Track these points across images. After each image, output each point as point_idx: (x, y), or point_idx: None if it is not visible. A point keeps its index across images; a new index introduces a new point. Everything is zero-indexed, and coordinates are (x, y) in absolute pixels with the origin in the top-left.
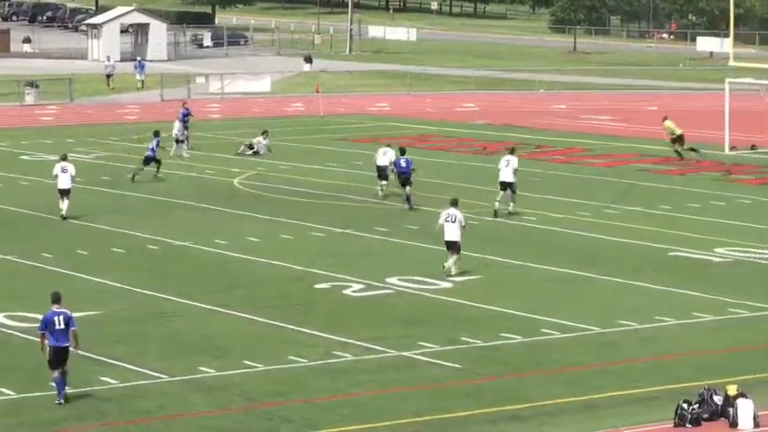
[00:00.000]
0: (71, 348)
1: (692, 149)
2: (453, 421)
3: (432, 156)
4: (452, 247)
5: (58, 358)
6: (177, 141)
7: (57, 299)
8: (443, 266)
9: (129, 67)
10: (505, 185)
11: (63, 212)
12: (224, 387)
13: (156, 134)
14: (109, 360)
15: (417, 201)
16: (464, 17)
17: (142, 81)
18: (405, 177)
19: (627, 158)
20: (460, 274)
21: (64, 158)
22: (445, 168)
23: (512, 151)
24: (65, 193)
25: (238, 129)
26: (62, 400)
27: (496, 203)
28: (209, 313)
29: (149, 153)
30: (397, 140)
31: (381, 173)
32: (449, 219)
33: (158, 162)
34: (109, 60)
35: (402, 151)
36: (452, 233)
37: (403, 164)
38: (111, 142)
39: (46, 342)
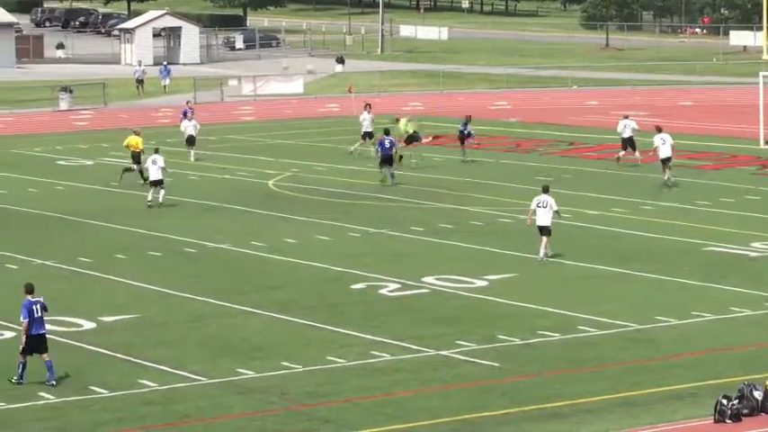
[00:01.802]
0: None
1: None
2: (491, 420)
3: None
4: (545, 231)
5: (35, 344)
6: (192, 143)
7: (30, 289)
8: (539, 252)
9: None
10: (666, 161)
11: (159, 200)
12: (262, 389)
13: (387, 132)
14: (148, 363)
15: (452, 200)
16: (495, 15)
17: (166, 86)
18: (388, 157)
19: None
20: (497, 271)
21: (156, 151)
22: (478, 167)
23: (659, 129)
24: (156, 183)
25: (272, 131)
26: (54, 382)
27: (668, 177)
28: (247, 315)
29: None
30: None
31: (628, 143)
32: (541, 204)
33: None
34: (140, 66)
35: (386, 132)
36: (545, 218)
37: (387, 144)
38: (147, 146)
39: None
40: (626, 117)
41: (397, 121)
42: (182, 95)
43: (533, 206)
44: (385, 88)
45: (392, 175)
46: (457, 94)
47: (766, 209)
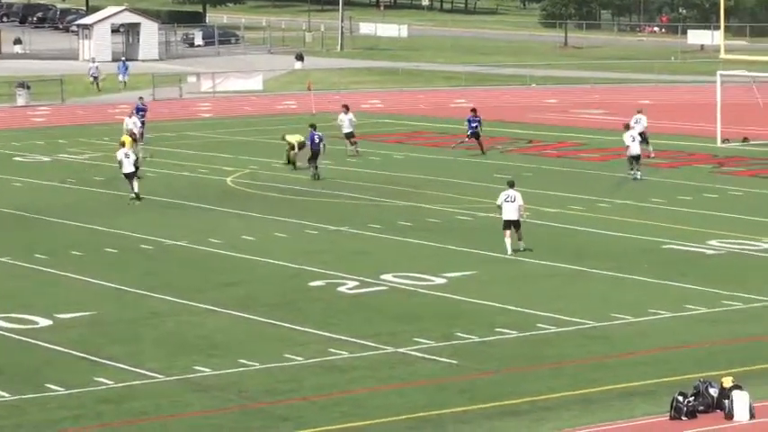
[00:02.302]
0: None
1: None
2: (450, 417)
3: (425, 152)
4: (513, 225)
5: None
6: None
7: None
8: (506, 248)
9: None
10: (634, 158)
11: (135, 192)
12: (220, 386)
13: (314, 128)
14: (104, 361)
15: (413, 198)
16: (455, 13)
17: (125, 82)
18: (316, 152)
19: (619, 152)
20: (457, 269)
21: (122, 145)
22: (439, 164)
23: (627, 127)
24: (130, 176)
25: (230, 128)
26: None
27: (637, 173)
28: (204, 312)
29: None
30: (390, 137)
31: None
32: (508, 199)
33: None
34: (93, 62)
35: (313, 127)
36: (512, 212)
37: (316, 140)
38: (104, 142)
39: None
40: (639, 112)
41: (284, 138)
42: (140, 92)
43: (500, 201)
44: (344, 86)
45: (316, 168)
46: (416, 92)
47: (723, 207)
